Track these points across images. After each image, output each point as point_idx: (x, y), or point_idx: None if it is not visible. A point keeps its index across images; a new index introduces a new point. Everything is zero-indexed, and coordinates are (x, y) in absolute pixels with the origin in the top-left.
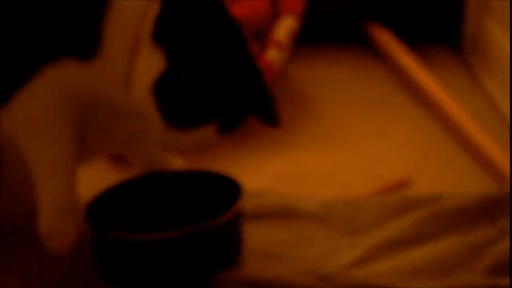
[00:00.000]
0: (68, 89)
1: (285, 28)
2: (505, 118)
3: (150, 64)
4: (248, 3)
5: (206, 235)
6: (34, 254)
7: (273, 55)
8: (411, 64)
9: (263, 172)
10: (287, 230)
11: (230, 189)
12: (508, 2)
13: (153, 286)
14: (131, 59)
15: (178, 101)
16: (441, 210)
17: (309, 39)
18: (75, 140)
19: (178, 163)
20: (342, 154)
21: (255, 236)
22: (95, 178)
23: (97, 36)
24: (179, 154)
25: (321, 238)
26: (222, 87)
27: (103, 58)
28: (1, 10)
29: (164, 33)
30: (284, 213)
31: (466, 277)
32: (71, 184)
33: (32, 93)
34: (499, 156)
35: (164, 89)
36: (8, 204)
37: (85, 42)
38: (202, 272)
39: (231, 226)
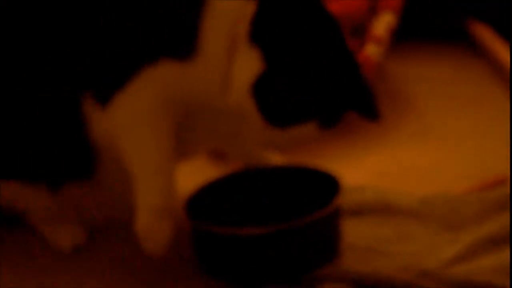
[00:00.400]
0: (168, 90)
1: (383, 23)
2: None
3: (248, 65)
4: (345, 1)
5: (305, 230)
6: (128, 251)
7: (371, 51)
8: (510, 61)
9: (363, 168)
10: (387, 226)
11: (329, 184)
12: None
13: (253, 281)
14: (229, 59)
15: (278, 102)
16: None
17: (408, 36)
18: (174, 141)
19: (276, 158)
20: (441, 151)
21: (354, 232)
22: (194, 174)
23: (195, 36)
24: (277, 150)
25: (421, 234)
26: (321, 85)
27: (201, 58)
28: (102, 12)
29: (261, 33)
30: (384, 209)
31: None
32: (168, 185)
33: (132, 95)
34: None
35: (263, 91)
36: (105, 203)
37: (183, 42)
38: (300, 267)
39: (330, 221)
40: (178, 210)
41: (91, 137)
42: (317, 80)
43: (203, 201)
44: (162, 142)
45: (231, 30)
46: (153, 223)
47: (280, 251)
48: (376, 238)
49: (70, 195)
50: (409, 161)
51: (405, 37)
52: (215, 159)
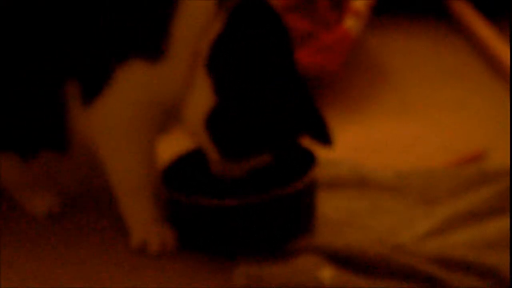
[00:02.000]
0: (142, 91)
1: None
2: None
3: (202, 95)
4: None
5: (280, 202)
6: (105, 221)
7: (350, 24)
8: (489, 36)
9: (339, 142)
10: (362, 200)
11: (305, 158)
12: None
13: (229, 251)
14: (190, 71)
15: (232, 137)
16: None
17: (387, 10)
18: (153, 145)
19: None
20: (419, 125)
21: (329, 205)
22: (172, 143)
23: (164, 38)
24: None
25: (395, 208)
26: (274, 116)
27: (167, 62)
28: (75, 14)
29: (216, 62)
30: (359, 183)
31: None
32: (150, 193)
33: (112, 98)
34: None
35: (217, 125)
36: (79, 175)
37: (152, 43)
38: (275, 239)
39: (305, 194)
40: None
41: (68, 120)
42: (269, 112)
43: (179, 171)
44: (142, 147)
45: (197, 40)
46: (147, 234)
47: (255, 222)
48: (351, 211)
49: (44, 165)
50: (387, 135)
51: (384, 11)
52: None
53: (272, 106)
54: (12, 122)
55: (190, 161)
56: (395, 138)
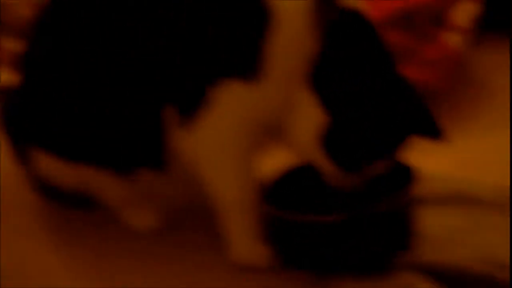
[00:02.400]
0: (243, 111)
1: (465, 12)
2: None
3: (311, 116)
4: None
5: (381, 218)
6: (202, 239)
7: (453, 39)
8: None
9: (442, 157)
10: (464, 216)
11: (404, 174)
12: None
13: (329, 268)
14: (289, 89)
15: (351, 151)
16: None
17: (492, 25)
18: (252, 159)
19: None
20: None
21: (430, 221)
22: (273, 159)
23: (259, 58)
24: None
25: (499, 226)
26: (388, 124)
27: (264, 81)
28: (177, 34)
29: (323, 81)
30: (463, 199)
31: None
32: (252, 209)
33: (213, 120)
34: None
35: (334, 142)
36: (178, 192)
37: (248, 63)
38: (376, 255)
39: (405, 209)
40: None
41: (166, 141)
42: (383, 119)
43: (279, 188)
44: (243, 164)
45: (294, 58)
46: (250, 250)
47: (357, 238)
48: (454, 228)
49: (144, 183)
50: (491, 151)
51: (489, 26)
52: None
53: (384, 113)
54: (115, 142)
55: (290, 178)
56: (500, 154)
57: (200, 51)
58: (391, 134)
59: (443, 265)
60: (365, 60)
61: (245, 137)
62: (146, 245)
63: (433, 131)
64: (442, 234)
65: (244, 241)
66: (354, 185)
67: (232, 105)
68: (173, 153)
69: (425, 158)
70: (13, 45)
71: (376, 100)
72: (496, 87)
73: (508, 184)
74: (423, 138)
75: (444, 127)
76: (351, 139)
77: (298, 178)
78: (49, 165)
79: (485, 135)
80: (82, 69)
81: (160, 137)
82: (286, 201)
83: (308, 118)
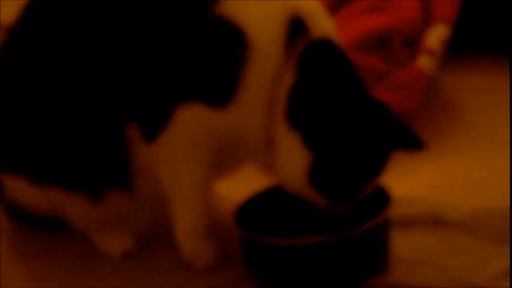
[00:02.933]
0: (205, 130)
1: (436, 35)
2: None
3: (293, 149)
4: (396, 12)
5: (356, 240)
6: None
7: (424, 62)
8: None
9: (413, 179)
10: (436, 239)
11: (379, 195)
12: None
13: None
14: (268, 118)
15: (340, 185)
16: None
17: (460, 47)
18: (209, 169)
19: None
20: (494, 163)
21: (403, 244)
22: (245, 183)
23: (232, 86)
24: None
25: (471, 248)
26: (372, 151)
27: (238, 107)
28: (147, 56)
29: (300, 117)
30: (434, 221)
31: None
32: (204, 209)
33: (173, 134)
34: None
35: (321, 179)
36: (148, 212)
37: (220, 90)
38: (350, 277)
39: (379, 232)
40: (225, 221)
41: (131, 158)
42: (366, 148)
43: (251, 211)
44: (200, 172)
45: (269, 88)
46: (194, 247)
47: (330, 260)
48: (426, 250)
49: (113, 205)
50: (461, 172)
51: (458, 49)
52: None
53: (367, 142)
54: (79, 164)
55: (261, 200)
56: (471, 176)
57: (168, 74)
58: (375, 158)
59: (416, 287)
60: (340, 89)
61: (204, 152)
62: (121, 270)
63: (415, 143)
64: (415, 256)
65: (191, 242)
66: (343, 209)
67: (193, 126)
68: (139, 171)
69: (398, 181)
70: None
71: (355, 127)
72: (466, 108)
73: (481, 206)
74: (407, 152)
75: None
76: (339, 174)
77: (269, 200)
78: (19, 189)
79: (457, 156)
80: (47, 93)
81: (126, 156)
82: (257, 224)
83: (293, 157)
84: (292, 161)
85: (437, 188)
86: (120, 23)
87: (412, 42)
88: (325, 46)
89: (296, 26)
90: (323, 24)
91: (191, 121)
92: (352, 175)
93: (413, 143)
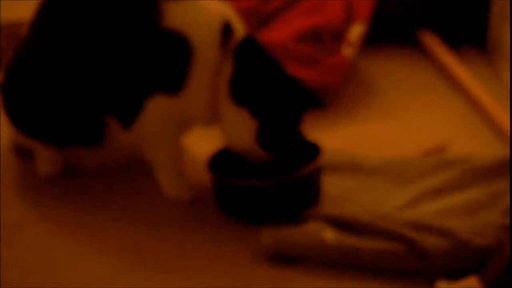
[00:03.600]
0: (170, 113)
1: (356, 31)
2: None
3: (241, 120)
4: (327, 13)
5: (298, 181)
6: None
7: (347, 52)
8: (449, 60)
9: (337, 137)
10: (355, 180)
11: (313, 150)
12: None
13: (260, 218)
14: (212, 100)
15: (281, 143)
16: (469, 168)
17: (374, 39)
18: (177, 135)
19: None
20: (397, 125)
21: (330, 184)
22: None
23: (183, 78)
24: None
25: (380, 186)
26: (297, 114)
27: (189, 93)
28: (115, 64)
29: (245, 96)
30: (353, 167)
31: (486, 217)
32: (178, 162)
33: (146, 119)
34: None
35: (267, 139)
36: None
37: (174, 82)
38: (293, 208)
39: (314, 175)
40: (199, 168)
41: (107, 129)
42: (294, 113)
43: (219, 160)
44: (175, 142)
45: (211, 77)
46: (176, 192)
47: (280, 196)
48: (347, 189)
49: (79, 153)
50: (372, 132)
51: (373, 41)
52: None
53: (294, 108)
54: (81, 132)
55: (227, 152)
56: (379, 134)
57: (135, 76)
58: (298, 116)
59: (340, 216)
60: (268, 72)
61: (172, 128)
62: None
63: (319, 103)
64: (339, 193)
65: (171, 184)
66: (271, 158)
67: (160, 111)
68: (110, 137)
69: (326, 139)
70: None
71: (285, 98)
72: (377, 86)
73: (388, 156)
74: (314, 110)
75: (338, 115)
76: (279, 135)
77: (229, 153)
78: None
79: (370, 120)
80: (56, 79)
81: (102, 129)
82: (225, 169)
83: (239, 125)
84: (240, 130)
85: (355, 144)
86: (101, 39)
87: (338, 36)
88: (250, 42)
89: (226, 30)
90: (241, 26)
91: (157, 107)
92: (287, 129)
93: (317, 103)
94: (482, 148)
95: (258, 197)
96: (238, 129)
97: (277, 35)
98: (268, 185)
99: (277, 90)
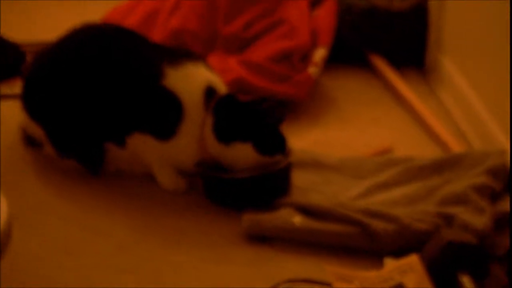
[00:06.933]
0: (161, 152)
1: (320, 54)
2: (450, 113)
3: (243, 155)
4: (297, 39)
5: (273, 175)
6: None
7: (312, 71)
8: (394, 79)
9: (303, 139)
10: (318, 175)
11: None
12: (453, 41)
13: (240, 205)
14: (199, 147)
15: (276, 145)
16: (410, 166)
17: (334, 61)
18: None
19: None
20: (352, 131)
21: (298, 177)
22: None
23: (174, 128)
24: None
25: (338, 181)
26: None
27: (179, 140)
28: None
29: (227, 136)
30: (316, 164)
31: (424, 206)
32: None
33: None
34: (444, 134)
35: (266, 149)
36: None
37: (167, 130)
38: (268, 198)
39: (285, 170)
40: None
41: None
42: (276, 123)
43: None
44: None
45: (197, 131)
46: (172, 186)
47: (256, 187)
48: (311, 181)
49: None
50: (332, 136)
51: (332, 62)
52: None
53: (273, 120)
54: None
55: None
56: (337, 138)
57: (132, 120)
58: (280, 120)
59: (307, 204)
60: (242, 116)
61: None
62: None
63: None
64: (305, 185)
65: (167, 180)
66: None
67: (151, 146)
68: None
69: (294, 141)
70: None
71: (261, 118)
72: (336, 98)
73: (345, 155)
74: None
75: (304, 122)
76: (271, 138)
77: None
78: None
79: (329, 126)
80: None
81: (101, 149)
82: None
83: (240, 153)
84: (242, 157)
85: (318, 145)
86: (111, 85)
87: (305, 58)
88: (227, 99)
89: (209, 91)
90: (222, 85)
91: (143, 143)
92: (276, 133)
93: (278, 120)
94: (421, 150)
95: (239, 188)
96: (240, 157)
97: (256, 55)
98: (248, 177)
99: (251, 126)
